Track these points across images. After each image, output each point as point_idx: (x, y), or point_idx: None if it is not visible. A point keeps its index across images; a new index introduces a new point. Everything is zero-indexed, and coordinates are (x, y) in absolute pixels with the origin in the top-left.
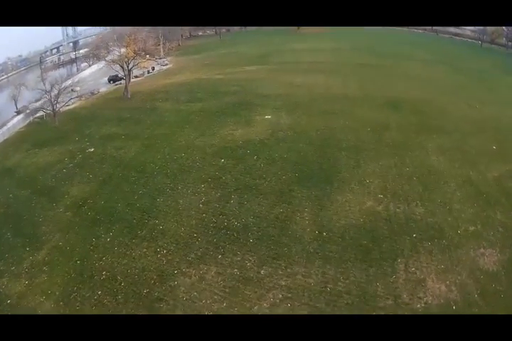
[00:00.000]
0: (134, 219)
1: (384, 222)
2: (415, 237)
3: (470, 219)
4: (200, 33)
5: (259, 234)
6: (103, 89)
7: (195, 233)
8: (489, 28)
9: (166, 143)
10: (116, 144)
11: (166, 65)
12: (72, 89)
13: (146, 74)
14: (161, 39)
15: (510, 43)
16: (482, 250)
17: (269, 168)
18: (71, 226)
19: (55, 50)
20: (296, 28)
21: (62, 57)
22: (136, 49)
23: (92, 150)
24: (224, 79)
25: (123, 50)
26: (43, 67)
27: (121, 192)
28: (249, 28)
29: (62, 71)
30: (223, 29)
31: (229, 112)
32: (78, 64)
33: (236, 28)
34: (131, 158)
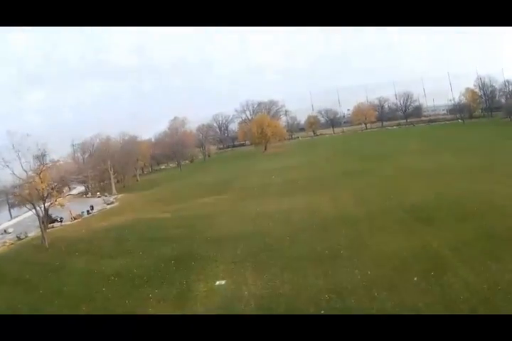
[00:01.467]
0: None
1: None
2: None
3: None
4: (162, 167)
5: None
6: (32, 234)
7: None
8: (464, 104)
9: None
10: None
11: (112, 202)
12: (5, 231)
13: (85, 215)
14: (111, 172)
15: (490, 113)
16: None
17: None
18: None
19: None
20: (263, 148)
21: None
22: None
23: None
24: (169, 219)
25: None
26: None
27: None
28: (212, 156)
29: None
30: (186, 160)
31: (157, 276)
32: None
33: (200, 158)
34: None
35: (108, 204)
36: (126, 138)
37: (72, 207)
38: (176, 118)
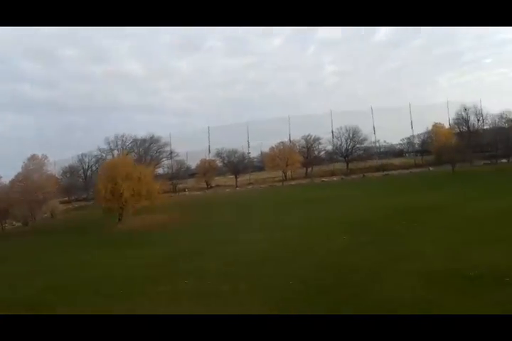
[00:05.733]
0: None
1: None
2: None
3: None
4: (6, 225)
5: None
6: None
7: None
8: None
9: None
10: None
11: None
12: None
13: None
14: None
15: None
16: None
17: None
18: None
19: None
20: (116, 217)
21: None
22: None
23: None
24: None
25: None
26: None
27: None
28: (59, 217)
29: None
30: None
31: None
32: None
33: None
34: None
35: None
36: None
37: None
38: (33, 156)
